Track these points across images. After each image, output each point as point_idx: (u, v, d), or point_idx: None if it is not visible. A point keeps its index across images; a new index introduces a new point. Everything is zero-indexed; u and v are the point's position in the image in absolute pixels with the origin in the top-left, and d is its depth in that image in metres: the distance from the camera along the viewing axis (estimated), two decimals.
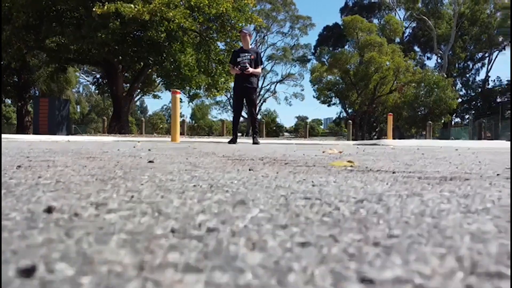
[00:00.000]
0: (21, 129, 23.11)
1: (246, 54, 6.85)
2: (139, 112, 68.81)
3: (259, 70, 7.03)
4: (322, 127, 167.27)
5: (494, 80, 38.14)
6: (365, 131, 26.66)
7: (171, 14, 13.89)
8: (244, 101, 7.13)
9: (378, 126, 27.36)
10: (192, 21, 15.15)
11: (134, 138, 13.84)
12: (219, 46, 20.56)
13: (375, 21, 46.51)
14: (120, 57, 16.93)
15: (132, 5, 13.37)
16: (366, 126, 26.62)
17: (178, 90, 8.16)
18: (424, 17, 39.05)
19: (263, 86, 51.13)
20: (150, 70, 19.71)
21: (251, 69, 6.81)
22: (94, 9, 13.01)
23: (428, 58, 47.91)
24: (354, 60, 24.92)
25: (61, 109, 13.64)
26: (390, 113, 14.86)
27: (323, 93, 26.16)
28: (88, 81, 46.06)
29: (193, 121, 52.57)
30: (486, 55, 44.13)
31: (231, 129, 7.30)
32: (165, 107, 66.37)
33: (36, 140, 7.55)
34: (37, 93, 25.98)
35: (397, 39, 37.23)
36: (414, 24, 43.71)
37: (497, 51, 43.09)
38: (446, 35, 42.21)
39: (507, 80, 37.36)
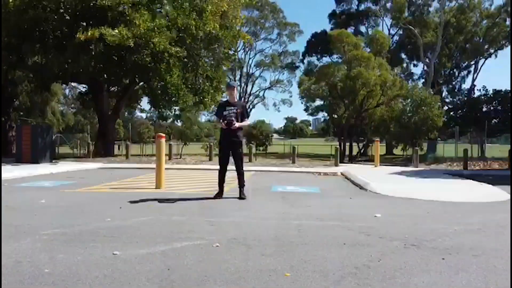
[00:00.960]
0: (6, 144, 22.61)
1: (233, 108, 6.74)
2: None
3: (245, 123, 6.94)
4: (311, 127, 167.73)
5: (480, 89, 38.57)
6: (353, 142, 26.82)
7: (156, 40, 13.69)
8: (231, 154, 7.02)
9: (365, 139, 27.49)
10: (178, 47, 14.97)
11: (120, 166, 13.57)
12: (206, 62, 20.43)
13: (363, 28, 46.89)
14: (105, 76, 16.68)
15: (116, 31, 13.14)
16: (353, 137, 26.77)
17: (163, 135, 7.99)
18: (410, 26, 39.34)
19: (251, 92, 51.11)
20: (136, 87, 19.46)
21: (237, 124, 6.71)
22: (77, 35, 12.75)
23: (415, 65, 48.40)
24: (341, 73, 24.93)
25: (44, 136, 13.33)
26: (377, 139, 14.89)
27: (311, 107, 26.21)
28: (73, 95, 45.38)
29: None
30: (472, 63, 44.71)
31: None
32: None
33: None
34: (22, 106, 25.47)
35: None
36: (401, 32, 44.04)
37: (483, 59, 43.72)
38: (433, 43, 42.60)
39: (493, 89, 37.78)
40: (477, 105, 37.10)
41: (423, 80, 45.82)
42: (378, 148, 14.42)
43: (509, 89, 37.86)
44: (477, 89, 37.91)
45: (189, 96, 18.48)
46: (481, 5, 42.03)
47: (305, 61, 48.10)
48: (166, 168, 8.60)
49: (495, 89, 37.89)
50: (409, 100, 22.14)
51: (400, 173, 12.71)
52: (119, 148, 24.73)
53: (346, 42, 24.57)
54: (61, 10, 13.37)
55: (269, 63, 47.55)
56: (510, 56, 37.13)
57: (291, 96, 54.60)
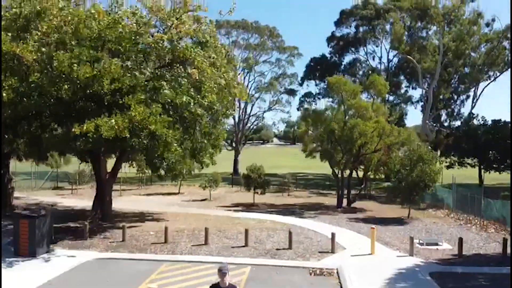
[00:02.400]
0: (5, 196, 22.66)
1: None
2: None
3: None
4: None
5: (479, 119, 38.65)
6: (351, 188, 26.93)
7: (153, 126, 13.74)
8: None
9: (363, 183, 27.55)
10: (176, 130, 15.03)
11: (120, 256, 13.49)
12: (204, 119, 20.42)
13: (362, 52, 46.90)
14: (102, 149, 16.76)
15: (113, 121, 13.19)
16: (351, 182, 26.90)
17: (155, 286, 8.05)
18: (409, 56, 39.35)
19: (250, 113, 51.14)
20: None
21: None
22: (73, 129, 12.82)
23: (414, 88, 48.38)
24: (338, 118, 24.96)
25: (41, 227, 13.41)
26: (373, 227, 14.93)
27: (309, 153, 26.32)
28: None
29: None
30: (471, 88, 44.67)
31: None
32: None
33: None
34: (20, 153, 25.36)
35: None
36: (400, 55, 44.02)
37: (482, 85, 43.72)
38: (431, 69, 42.63)
39: (492, 120, 37.83)
40: (476, 136, 37.18)
41: (422, 103, 45.89)
42: (374, 237, 14.33)
43: (509, 119, 37.95)
44: (476, 119, 37.71)
45: (187, 162, 18.55)
46: (480, 31, 42.00)
47: (305, 84, 48.31)
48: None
49: (494, 120, 38.00)
50: (406, 151, 22.16)
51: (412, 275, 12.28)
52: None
53: (343, 90, 24.58)
54: (57, 98, 13.41)
55: (268, 87, 47.57)
56: (510, 79, 37.08)
57: (290, 116, 54.38)
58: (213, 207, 25.96)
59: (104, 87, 13.21)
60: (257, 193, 26.81)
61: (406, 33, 42.13)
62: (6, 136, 15.50)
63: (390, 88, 44.81)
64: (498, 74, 43.68)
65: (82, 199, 27.79)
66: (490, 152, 37.52)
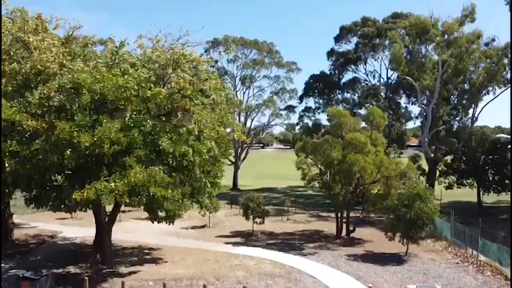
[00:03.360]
0: (6, 233, 22.79)
1: None
2: None
3: None
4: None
5: (476, 139, 38.62)
6: (349, 219, 27.12)
7: (152, 189, 13.87)
8: None
9: (361, 214, 27.74)
10: (175, 189, 15.17)
11: None
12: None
13: (361, 68, 46.98)
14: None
15: (112, 185, 13.33)
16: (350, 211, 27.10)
17: None
18: (407, 77, 39.40)
19: (250, 128, 51.26)
20: None
21: None
22: (73, 196, 12.96)
23: (413, 104, 48.44)
24: (337, 152, 25.02)
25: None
26: (370, 285, 15.04)
27: (308, 182, 26.43)
28: None
29: None
30: (470, 105, 44.68)
31: None
32: None
33: None
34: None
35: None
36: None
37: (483, 105, 43.78)
38: (431, 86, 42.64)
39: (490, 141, 37.93)
40: (475, 157, 37.31)
41: (421, 119, 45.99)
42: None
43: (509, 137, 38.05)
44: (475, 139, 37.80)
45: (186, 204, 18.68)
46: (480, 49, 41.99)
47: (304, 101, 48.42)
48: None
49: (492, 140, 38.11)
50: (404, 188, 22.31)
51: None
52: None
53: (343, 123, 24.72)
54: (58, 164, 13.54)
55: (267, 103, 47.71)
56: (510, 93, 36.92)
57: (291, 131, 54.39)
58: (212, 237, 26.09)
59: (104, 150, 13.33)
60: (256, 222, 26.93)
61: (405, 49, 42.18)
62: (7, 190, 15.63)
63: (389, 105, 45.34)
64: (498, 91, 43.75)
65: (82, 225, 27.91)
66: (489, 172, 37.73)
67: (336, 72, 46.24)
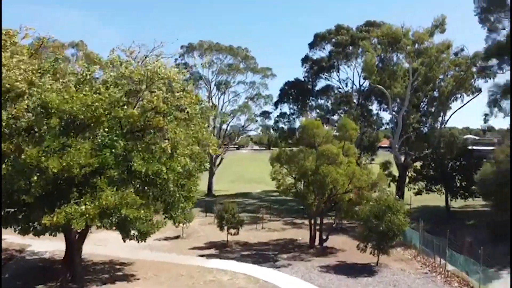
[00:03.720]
0: None
1: None
2: None
3: None
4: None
5: (444, 147, 39.82)
6: (323, 226, 27.51)
7: (123, 211, 13.73)
8: None
9: (334, 222, 28.17)
10: (147, 209, 15.06)
11: None
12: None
13: (335, 76, 47.68)
14: None
15: (83, 208, 13.12)
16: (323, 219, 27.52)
17: None
18: (379, 86, 40.25)
19: (225, 134, 51.20)
20: None
21: None
22: (43, 221, 12.68)
23: (384, 110, 49.43)
24: (311, 162, 25.36)
25: None
26: None
27: (283, 191, 26.72)
28: None
29: None
30: (440, 112, 45.93)
31: None
32: None
33: None
34: None
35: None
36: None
37: (451, 113, 45.12)
38: (402, 94, 43.65)
39: (457, 148, 39.12)
40: (443, 163, 38.46)
41: (392, 125, 47.05)
42: None
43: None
44: (443, 140, 39.01)
45: (159, 222, 18.56)
46: (449, 58, 43.20)
47: (279, 107, 48.71)
48: None
49: (460, 147, 39.33)
50: (376, 200, 22.82)
51: None
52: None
53: (316, 134, 25.09)
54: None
55: (242, 109, 47.77)
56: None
57: (266, 133, 54.52)
58: (186, 249, 25.93)
59: (74, 174, 13.10)
60: (231, 233, 26.96)
61: (377, 58, 43.04)
62: None
63: (361, 112, 46.19)
64: (466, 99, 45.18)
65: (52, 238, 27.08)
66: (456, 178, 38.94)
67: (310, 79, 46.71)
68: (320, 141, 25.62)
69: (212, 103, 49.46)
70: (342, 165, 24.89)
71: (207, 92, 49.24)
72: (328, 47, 46.72)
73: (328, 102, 46.53)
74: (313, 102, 48.43)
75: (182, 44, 46.67)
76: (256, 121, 48.71)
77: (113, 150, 14.66)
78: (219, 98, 49.43)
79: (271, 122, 51.78)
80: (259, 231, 31.91)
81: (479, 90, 43.67)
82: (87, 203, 13.31)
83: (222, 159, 50.58)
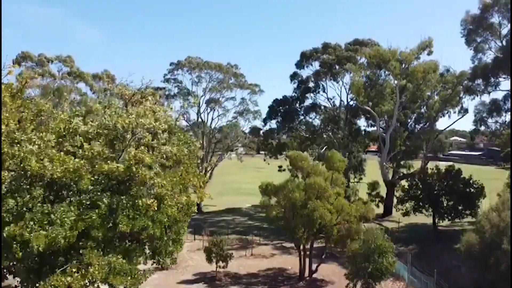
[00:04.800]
0: None
1: None
2: None
3: None
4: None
5: (432, 168, 40.15)
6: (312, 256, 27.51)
7: (110, 280, 13.47)
8: None
9: (324, 253, 28.19)
10: (132, 273, 14.78)
11: None
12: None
13: (322, 94, 47.77)
14: None
15: (69, 278, 12.84)
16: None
17: None
18: (367, 107, 40.41)
19: (214, 151, 50.93)
20: None
21: None
22: None
23: (372, 126, 49.66)
24: (299, 192, 25.30)
25: None
26: None
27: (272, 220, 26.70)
28: None
29: None
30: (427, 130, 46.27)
31: None
32: None
33: None
34: None
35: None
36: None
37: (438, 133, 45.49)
38: (389, 112, 43.88)
39: (445, 169, 39.44)
40: (430, 185, 38.73)
41: (379, 143, 47.28)
42: None
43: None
44: (430, 168, 39.32)
45: (148, 271, 18.26)
46: (436, 78, 43.51)
47: (268, 124, 48.67)
48: None
49: (447, 169, 39.65)
50: (363, 240, 22.79)
51: None
52: None
53: (303, 166, 25.05)
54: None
55: (231, 127, 47.60)
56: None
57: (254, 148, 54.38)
58: (174, 284, 25.71)
59: (61, 245, 12.83)
60: (219, 266, 26.74)
61: (365, 77, 43.25)
62: None
63: (349, 132, 46.35)
64: (453, 116, 45.66)
65: None
66: (444, 198, 39.15)
67: (298, 98, 46.68)
68: (307, 172, 25.56)
69: (201, 119, 49.29)
70: (331, 198, 24.86)
71: (196, 107, 48.99)
72: (316, 64, 46.80)
73: (315, 121, 46.72)
74: (302, 117, 48.47)
75: (171, 61, 46.31)
76: (245, 139, 48.48)
77: (97, 210, 14.33)
78: (208, 114, 49.21)
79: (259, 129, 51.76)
80: (248, 259, 31.74)
81: (466, 111, 44.12)
82: (73, 270, 13.02)
83: (211, 175, 50.33)
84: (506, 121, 43.39)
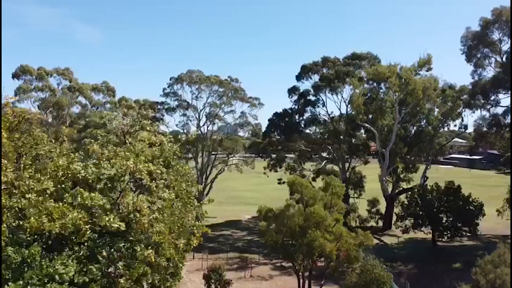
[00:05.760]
0: None
1: None
2: None
3: None
4: None
5: (432, 186, 40.10)
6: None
7: None
8: None
9: (323, 278, 28.25)
10: None
11: None
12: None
13: (321, 106, 47.73)
14: None
15: None
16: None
17: None
18: (367, 125, 40.39)
19: (213, 164, 51.02)
20: None
21: None
22: None
23: (372, 139, 49.63)
24: (298, 218, 25.38)
25: None
26: None
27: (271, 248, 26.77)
28: None
29: None
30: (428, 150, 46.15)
31: None
32: None
33: None
34: None
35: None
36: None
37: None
38: (389, 127, 43.87)
39: (444, 187, 39.41)
40: (430, 202, 38.73)
41: (379, 158, 47.24)
42: None
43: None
44: (429, 185, 39.31)
45: None
46: (436, 93, 43.44)
47: (267, 137, 48.68)
48: None
49: (447, 186, 39.59)
50: (361, 271, 22.86)
51: None
52: None
53: (303, 193, 25.11)
54: None
55: (232, 142, 47.67)
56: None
57: (253, 161, 54.33)
58: None
59: None
60: None
61: (364, 92, 43.21)
62: None
63: (349, 147, 46.34)
64: (454, 134, 45.66)
65: None
66: (443, 216, 39.12)
67: (298, 111, 46.67)
68: (308, 199, 25.62)
69: (201, 132, 49.32)
70: (329, 227, 24.90)
71: (195, 120, 49.06)
72: (316, 77, 46.76)
73: (315, 134, 46.74)
74: (301, 129, 48.51)
75: (171, 76, 46.36)
76: (245, 153, 48.54)
77: (96, 264, 14.34)
78: (207, 127, 49.28)
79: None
80: (247, 281, 31.83)
81: (466, 127, 44.14)
82: None
83: (211, 188, 50.45)
84: (506, 136, 43.53)
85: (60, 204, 14.78)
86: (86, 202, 15.34)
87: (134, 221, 16.18)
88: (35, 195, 15.08)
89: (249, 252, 38.37)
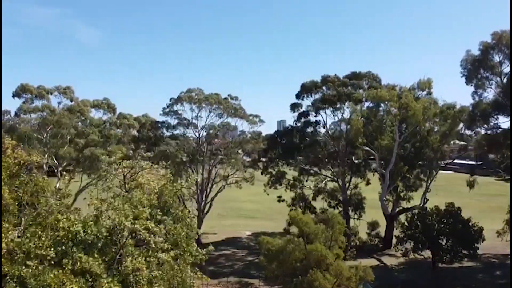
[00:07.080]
0: None
1: None
2: None
3: None
4: None
5: (432, 208, 40.07)
6: None
7: None
8: None
9: None
10: None
11: None
12: None
13: (322, 127, 47.80)
14: None
15: None
16: None
17: None
18: (366, 148, 40.41)
19: (214, 181, 51.04)
20: None
21: None
22: None
23: (372, 159, 49.60)
24: (299, 253, 25.49)
25: None
26: None
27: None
28: None
29: None
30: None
31: None
32: None
33: None
34: None
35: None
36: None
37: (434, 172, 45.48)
38: (389, 147, 43.82)
39: (444, 209, 39.43)
40: (430, 225, 38.75)
41: (379, 177, 47.24)
42: None
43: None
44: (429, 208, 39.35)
45: None
46: (436, 113, 43.39)
47: (268, 154, 48.70)
48: None
49: (447, 204, 39.57)
50: None
51: None
52: None
53: (304, 230, 25.23)
54: None
55: (232, 162, 47.68)
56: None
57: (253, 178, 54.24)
58: None
59: None
60: None
61: (363, 114, 43.29)
62: None
63: (350, 168, 46.39)
64: (452, 154, 45.68)
65: None
66: (443, 239, 39.06)
67: (298, 130, 46.68)
68: (308, 235, 25.76)
69: (200, 149, 49.33)
70: (330, 266, 24.99)
71: (195, 134, 49.14)
72: (316, 95, 46.72)
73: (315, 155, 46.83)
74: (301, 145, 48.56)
75: (171, 97, 46.39)
76: (245, 171, 48.54)
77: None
78: (207, 146, 49.29)
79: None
80: None
81: (465, 148, 44.12)
82: None
83: (211, 206, 50.50)
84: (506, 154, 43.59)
85: (60, 271, 14.88)
86: (85, 266, 15.47)
87: (133, 282, 16.31)
88: (36, 261, 15.18)
89: (250, 276, 38.46)
